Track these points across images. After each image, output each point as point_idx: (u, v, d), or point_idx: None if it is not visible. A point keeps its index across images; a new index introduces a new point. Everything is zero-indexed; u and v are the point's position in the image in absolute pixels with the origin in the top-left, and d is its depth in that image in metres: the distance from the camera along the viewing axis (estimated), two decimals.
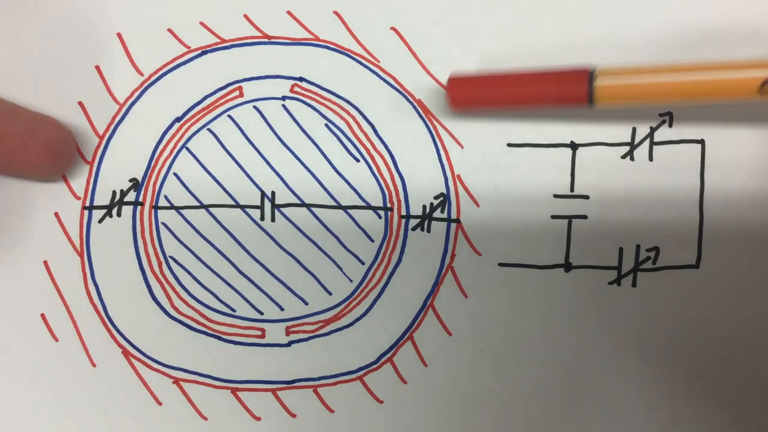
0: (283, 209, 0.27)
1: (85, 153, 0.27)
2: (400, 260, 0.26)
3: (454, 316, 0.26)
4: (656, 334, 0.26)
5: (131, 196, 0.27)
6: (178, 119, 0.27)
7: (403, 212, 0.27)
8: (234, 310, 0.27)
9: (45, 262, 0.27)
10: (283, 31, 0.27)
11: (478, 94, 0.25)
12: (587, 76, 0.23)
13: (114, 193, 0.27)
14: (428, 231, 0.26)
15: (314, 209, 0.27)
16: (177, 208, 0.27)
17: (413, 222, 0.26)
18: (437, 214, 0.26)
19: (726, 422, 0.25)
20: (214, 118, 0.27)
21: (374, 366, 0.26)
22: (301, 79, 0.27)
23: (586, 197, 0.26)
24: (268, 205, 0.27)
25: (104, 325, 0.27)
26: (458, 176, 0.26)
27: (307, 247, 0.27)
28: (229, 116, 0.27)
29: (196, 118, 0.27)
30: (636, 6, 0.26)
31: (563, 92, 0.23)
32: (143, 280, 0.27)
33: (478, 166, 0.26)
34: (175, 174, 0.27)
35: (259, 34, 0.27)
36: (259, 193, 0.27)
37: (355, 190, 0.27)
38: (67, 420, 0.26)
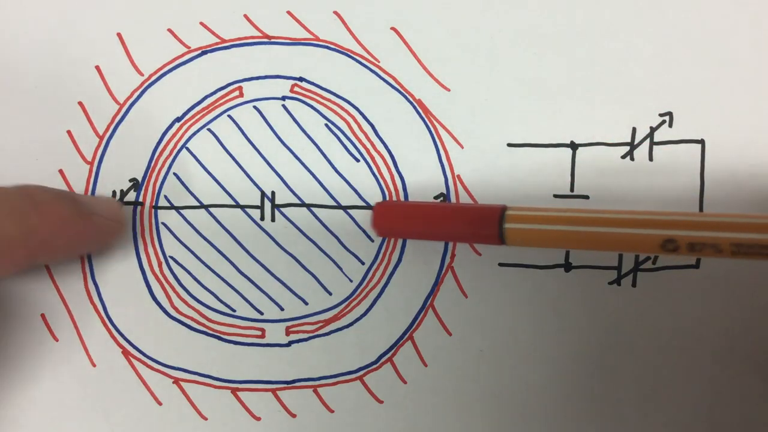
0: (283, 209, 0.27)
1: (85, 153, 0.27)
2: (400, 260, 0.26)
3: (454, 316, 0.26)
4: (656, 334, 0.26)
5: (131, 196, 0.27)
6: (178, 119, 0.27)
7: None
8: (234, 310, 0.27)
9: None
10: (283, 31, 0.27)
11: (399, 225, 0.25)
12: (498, 219, 0.23)
13: (114, 193, 0.27)
14: None
15: (314, 209, 0.27)
16: (177, 208, 0.27)
17: None
18: None
19: (726, 422, 0.25)
20: (214, 118, 0.27)
21: (374, 366, 0.26)
22: (301, 79, 0.27)
23: (586, 197, 0.26)
24: (268, 205, 0.27)
25: (104, 325, 0.27)
26: (458, 176, 0.26)
27: (307, 247, 0.27)
28: (229, 116, 0.27)
29: (196, 118, 0.27)
30: (635, 3, 0.26)
31: (476, 233, 0.24)
32: (143, 280, 0.27)
33: (478, 166, 0.26)
34: (175, 174, 0.27)
35: (259, 34, 0.27)
36: (259, 193, 0.27)
37: (355, 190, 0.27)
38: (67, 420, 0.26)
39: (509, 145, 0.26)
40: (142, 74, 0.27)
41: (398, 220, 0.25)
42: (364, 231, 0.27)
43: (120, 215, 0.26)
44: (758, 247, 0.20)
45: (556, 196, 0.26)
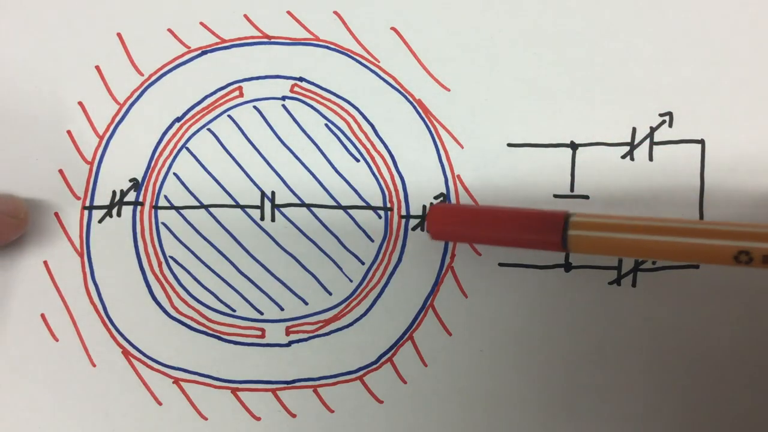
0: (283, 209, 0.27)
1: (85, 153, 0.27)
2: (400, 260, 0.26)
3: (454, 316, 0.26)
4: (656, 334, 0.26)
5: (131, 196, 0.27)
6: (178, 119, 0.27)
7: (403, 212, 0.27)
8: (234, 310, 0.27)
9: (45, 262, 0.27)
10: (283, 31, 0.27)
11: (455, 230, 0.25)
12: (562, 226, 0.23)
13: (114, 193, 0.27)
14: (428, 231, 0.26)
15: (314, 209, 0.27)
16: (177, 208, 0.27)
17: (413, 222, 0.26)
18: None
19: (726, 422, 0.25)
20: (214, 118, 0.27)
21: (374, 366, 0.26)
22: (301, 79, 0.27)
23: (586, 197, 0.26)
24: (268, 205, 0.27)
25: (104, 325, 0.27)
26: (458, 176, 0.26)
27: (307, 247, 0.27)
28: (229, 116, 0.27)
29: (196, 118, 0.27)
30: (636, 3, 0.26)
31: (539, 239, 0.23)
32: (143, 280, 0.27)
33: (478, 166, 0.26)
34: (175, 174, 0.27)
35: (259, 34, 0.27)
36: (259, 193, 0.27)
37: (355, 190, 0.27)
38: (67, 420, 0.26)
39: (509, 145, 0.26)
40: (142, 74, 0.27)
41: (456, 224, 0.25)
42: (364, 231, 0.27)
43: (22, 212, 0.25)
44: None
45: (556, 196, 0.26)
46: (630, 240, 0.22)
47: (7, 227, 0.25)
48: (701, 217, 0.25)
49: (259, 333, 0.27)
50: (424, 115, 0.27)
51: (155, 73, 0.27)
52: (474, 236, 0.25)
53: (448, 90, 0.27)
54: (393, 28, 0.27)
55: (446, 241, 0.26)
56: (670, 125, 0.26)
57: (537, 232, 0.23)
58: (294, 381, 0.26)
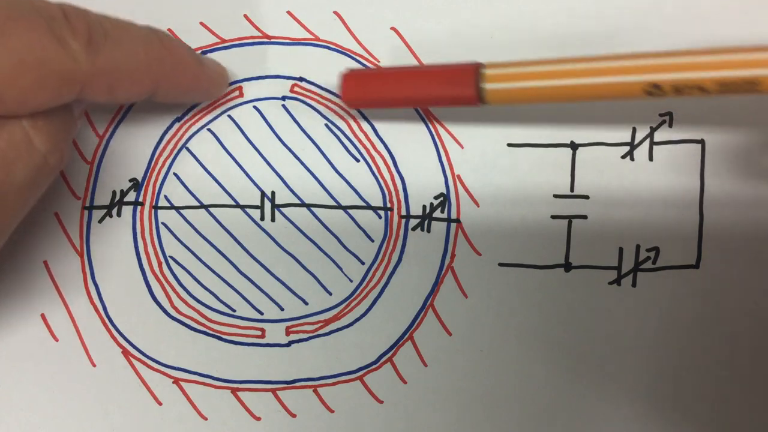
0: (283, 209, 0.27)
1: (85, 153, 0.27)
2: (400, 260, 0.26)
3: (454, 316, 0.26)
4: (656, 334, 0.26)
5: (131, 196, 0.27)
6: (178, 119, 0.27)
7: (403, 212, 0.27)
8: (234, 310, 0.27)
9: (45, 262, 0.27)
10: (283, 31, 0.27)
11: (369, 93, 0.25)
12: (474, 78, 0.23)
13: (114, 193, 0.27)
14: (428, 231, 0.26)
15: (314, 209, 0.27)
16: (177, 208, 0.27)
17: (413, 222, 0.26)
18: (437, 214, 0.26)
19: (726, 422, 0.25)
20: (214, 118, 0.27)
21: (374, 366, 0.26)
22: (301, 79, 0.27)
23: (586, 197, 0.26)
24: (268, 205, 0.27)
25: (104, 325, 0.27)
26: (458, 176, 0.26)
27: (307, 247, 0.27)
28: (229, 116, 0.27)
29: (196, 118, 0.27)
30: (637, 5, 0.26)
31: (453, 94, 0.23)
32: (143, 280, 0.27)
33: (478, 166, 0.26)
34: (175, 174, 0.27)
35: (259, 34, 0.27)
36: (259, 193, 0.27)
37: (355, 190, 0.27)
38: (67, 420, 0.26)
39: (509, 145, 0.26)
40: None
41: (370, 86, 0.25)
42: (364, 231, 0.27)
43: (225, 73, 0.26)
44: (742, 83, 0.20)
45: (555, 196, 0.26)
46: (543, 87, 0.22)
47: (218, 82, 0.26)
48: (701, 217, 0.26)
49: (259, 333, 0.27)
50: (424, 115, 0.27)
51: None
52: (390, 98, 0.25)
53: None
54: (393, 28, 0.27)
55: (362, 108, 0.26)
56: (670, 125, 0.26)
57: (450, 85, 0.23)
58: (294, 381, 0.26)
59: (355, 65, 0.27)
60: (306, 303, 0.27)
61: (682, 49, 0.21)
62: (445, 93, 0.24)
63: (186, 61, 0.24)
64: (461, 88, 0.23)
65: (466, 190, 0.26)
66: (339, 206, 0.27)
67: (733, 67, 0.20)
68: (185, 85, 0.25)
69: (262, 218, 0.27)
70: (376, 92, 0.25)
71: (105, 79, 0.21)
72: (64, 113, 0.22)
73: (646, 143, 0.26)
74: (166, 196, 0.27)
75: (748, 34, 0.26)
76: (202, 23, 0.27)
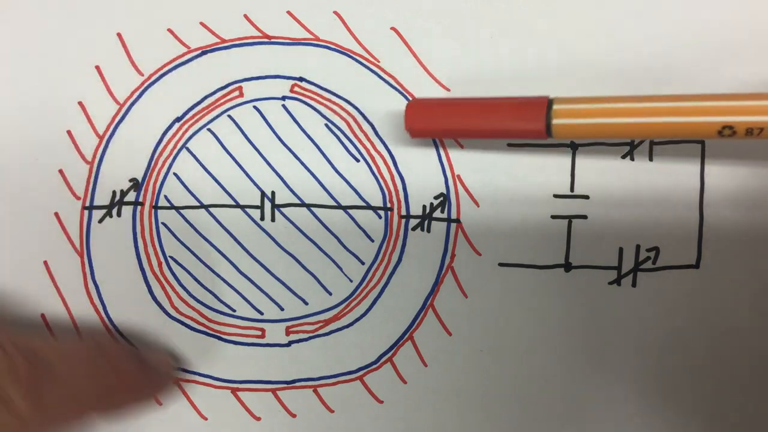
0: (283, 209, 0.27)
1: (85, 153, 0.27)
2: (400, 260, 0.26)
3: (454, 316, 0.26)
4: (656, 334, 0.26)
5: (131, 196, 0.27)
6: (178, 119, 0.27)
7: (403, 212, 0.27)
8: (234, 310, 0.27)
9: (45, 262, 0.27)
10: (283, 31, 0.27)
11: (434, 124, 0.25)
12: (544, 113, 0.23)
13: (114, 193, 0.27)
14: (428, 231, 0.26)
15: (314, 209, 0.27)
16: (177, 208, 0.27)
17: (413, 222, 0.26)
18: (437, 214, 0.26)
19: (726, 422, 0.25)
20: (214, 118, 0.27)
21: (374, 366, 0.26)
22: (301, 79, 0.27)
23: (586, 197, 0.26)
24: (268, 205, 0.27)
25: (104, 325, 0.27)
26: (458, 176, 0.26)
27: (307, 247, 0.27)
28: (229, 116, 0.27)
29: (196, 118, 0.27)
30: (636, 4, 0.26)
31: (523, 128, 0.23)
32: (143, 280, 0.27)
33: (478, 166, 0.26)
34: (175, 174, 0.27)
35: (259, 34, 0.27)
36: (259, 193, 0.27)
37: (355, 190, 0.27)
38: None
39: (509, 145, 0.26)
40: (142, 74, 0.27)
41: (435, 117, 0.24)
42: (364, 231, 0.27)
43: (171, 369, 0.26)
44: None
45: (556, 196, 0.26)
46: (614, 124, 0.22)
47: (163, 386, 0.26)
48: (701, 217, 0.26)
49: (259, 333, 0.27)
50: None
51: (155, 73, 0.27)
52: (456, 130, 0.25)
53: (448, 90, 0.27)
54: (393, 28, 0.27)
55: (427, 138, 0.26)
56: None
57: (520, 120, 0.23)
58: (294, 381, 0.26)
59: (355, 65, 0.27)
60: (306, 303, 0.27)
61: (755, 93, 0.21)
62: (514, 127, 0.23)
63: (136, 380, 0.24)
64: (531, 122, 0.23)
65: (466, 190, 0.26)
66: (339, 206, 0.27)
67: None
68: (130, 401, 0.25)
69: (262, 218, 0.27)
70: (441, 123, 0.24)
71: (49, 422, 0.22)
72: None
73: (646, 143, 0.26)
74: (166, 196, 0.27)
75: None
76: (202, 23, 0.27)
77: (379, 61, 0.27)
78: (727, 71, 0.25)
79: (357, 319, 0.26)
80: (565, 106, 0.23)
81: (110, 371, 0.23)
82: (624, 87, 0.26)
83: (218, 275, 0.27)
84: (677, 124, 0.22)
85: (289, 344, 0.27)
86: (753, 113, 0.21)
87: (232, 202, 0.27)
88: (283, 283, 0.27)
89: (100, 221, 0.27)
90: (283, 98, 0.27)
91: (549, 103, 0.23)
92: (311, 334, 0.27)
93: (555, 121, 0.23)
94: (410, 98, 0.27)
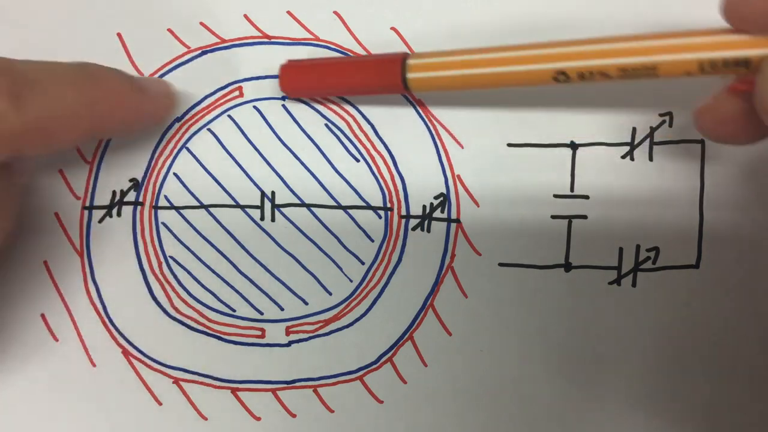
0: (283, 209, 0.27)
1: (85, 153, 0.27)
2: (400, 260, 0.26)
3: (454, 316, 0.26)
4: (656, 334, 0.26)
5: (131, 196, 0.27)
6: (178, 119, 0.27)
7: (403, 212, 0.27)
8: (234, 310, 0.27)
9: (45, 262, 0.27)
10: (283, 31, 0.27)
11: (305, 83, 0.26)
12: (400, 68, 0.24)
13: (114, 193, 0.27)
14: (428, 231, 0.26)
15: (314, 209, 0.27)
16: (177, 208, 0.27)
17: (413, 222, 0.26)
18: (437, 214, 0.26)
19: (726, 422, 0.25)
20: (214, 118, 0.27)
21: (374, 366, 0.26)
22: None
23: (586, 197, 0.26)
24: (268, 205, 0.27)
25: (104, 325, 0.27)
26: (458, 176, 0.26)
27: (307, 247, 0.27)
28: (229, 116, 0.27)
29: (196, 118, 0.27)
30: None
31: (382, 83, 0.25)
32: (143, 280, 0.27)
33: (478, 166, 0.26)
34: (175, 174, 0.27)
35: (259, 34, 0.27)
36: (259, 193, 0.27)
37: (355, 190, 0.27)
38: (67, 420, 0.26)
39: (509, 145, 0.26)
40: (142, 74, 0.27)
41: (305, 77, 0.26)
42: (364, 231, 0.27)
43: (171, 92, 0.26)
44: (642, 68, 0.21)
45: (555, 196, 0.26)
46: (460, 76, 0.24)
47: (162, 106, 0.26)
48: (701, 217, 0.26)
49: (259, 333, 0.27)
50: (424, 115, 0.27)
51: (155, 73, 0.27)
52: (324, 88, 0.26)
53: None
54: (393, 28, 0.27)
55: (300, 97, 0.27)
56: (670, 125, 0.26)
57: (379, 75, 0.25)
58: (294, 381, 0.26)
59: None
60: (306, 303, 0.27)
61: (586, 38, 0.22)
62: (374, 82, 0.25)
63: (122, 94, 0.23)
64: (389, 77, 0.24)
65: (466, 190, 0.26)
66: (339, 206, 0.27)
67: (633, 54, 0.21)
68: (127, 119, 0.24)
69: (262, 218, 0.27)
70: (311, 82, 0.26)
71: (38, 133, 0.21)
72: (3, 176, 0.21)
73: (646, 143, 0.26)
74: (166, 196, 0.27)
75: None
76: (202, 23, 0.27)
77: None
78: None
79: (357, 319, 0.26)
80: (418, 60, 0.24)
81: (102, 96, 0.23)
82: (616, 83, 0.26)
83: (218, 275, 0.27)
84: (516, 72, 0.23)
85: (289, 344, 0.27)
86: (583, 58, 0.22)
87: (232, 202, 0.27)
88: (283, 283, 0.27)
89: (100, 221, 0.27)
90: (283, 98, 0.27)
91: (404, 58, 0.24)
92: (311, 334, 0.27)
93: (410, 75, 0.24)
94: (410, 98, 0.27)
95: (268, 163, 0.27)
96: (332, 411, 0.26)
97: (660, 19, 0.26)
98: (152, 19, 0.27)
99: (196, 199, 0.27)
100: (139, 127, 0.26)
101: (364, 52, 0.27)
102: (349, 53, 0.27)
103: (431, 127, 0.27)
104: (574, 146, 0.26)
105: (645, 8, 0.26)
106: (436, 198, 0.26)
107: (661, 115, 0.26)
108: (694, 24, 0.22)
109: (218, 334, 0.27)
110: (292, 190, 0.27)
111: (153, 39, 0.27)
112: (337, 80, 0.26)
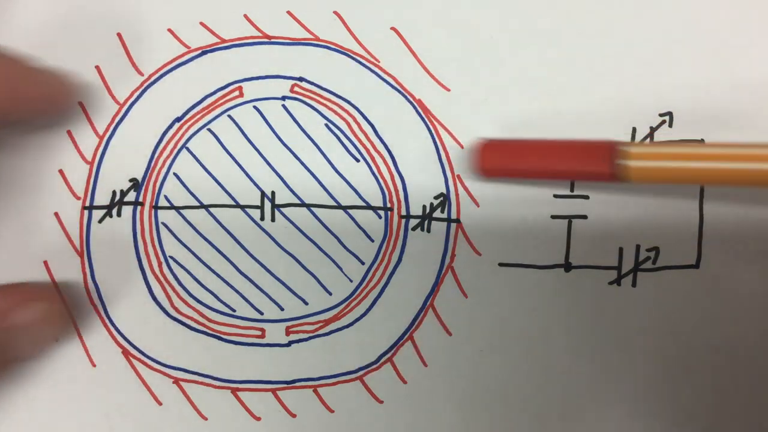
0: (283, 209, 0.27)
1: (85, 153, 0.27)
2: (400, 260, 0.26)
3: (454, 316, 0.26)
4: (656, 334, 0.26)
5: (131, 196, 0.27)
6: (178, 119, 0.27)
7: (403, 212, 0.27)
8: (234, 310, 0.27)
9: (45, 262, 0.27)
10: (283, 31, 0.27)
11: (507, 164, 0.25)
12: (610, 156, 0.23)
13: (114, 193, 0.27)
14: (428, 231, 0.26)
15: (314, 209, 0.27)
16: (177, 208, 0.27)
17: (413, 222, 0.26)
18: (437, 214, 0.26)
19: (726, 422, 0.25)
20: (214, 118, 0.27)
21: (374, 366, 0.26)
22: (301, 79, 0.27)
23: (586, 197, 0.26)
24: (268, 205, 0.27)
25: (104, 325, 0.27)
26: (458, 176, 0.26)
27: (307, 247, 0.27)
28: (229, 116, 0.27)
29: (196, 118, 0.27)
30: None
31: (588, 171, 0.24)
32: (143, 280, 0.27)
33: None
34: (175, 174, 0.27)
35: (259, 34, 0.27)
36: (259, 193, 0.27)
37: (355, 190, 0.27)
38: (67, 420, 0.26)
39: None
40: (142, 74, 0.27)
41: (507, 158, 0.25)
42: (364, 231, 0.27)
43: (64, 79, 0.25)
44: None
45: (556, 196, 0.26)
46: (683, 169, 0.22)
47: (55, 87, 0.25)
48: (701, 217, 0.26)
49: (259, 333, 0.27)
50: (424, 115, 0.27)
51: (155, 73, 0.27)
52: (527, 170, 0.25)
53: (448, 90, 0.27)
54: (393, 28, 0.27)
55: (496, 177, 0.26)
56: (670, 125, 0.26)
57: (587, 162, 0.24)
58: (294, 381, 0.26)
59: (355, 65, 0.27)
60: (306, 303, 0.27)
61: None
62: (582, 169, 0.24)
63: (10, 76, 0.23)
64: (597, 165, 0.23)
65: (466, 190, 0.26)
66: (339, 206, 0.27)
67: None
68: (13, 101, 0.24)
69: (262, 218, 0.27)
70: (513, 164, 0.25)
71: None
72: None
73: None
74: (166, 196, 0.27)
75: None
76: (202, 23, 0.27)
77: (379, 61, 0.27)
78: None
79: (357, 319, 0.26)
80: (638, 149, 0.23)
81: None
82: (616, 82, 0.26)
83: (218, 275, 0.27)
84: (744, 171, 0.22)
85: (289, 344, 0.27)
86: None
87: (232, 202, 0.27)
88: (283, 283, 0.27)
89: (100, 221, 0.27)
90: (283, 98, 0.27)
91: (616, 145, 0.23)
92: (311, 334, 0.27)
93: (631, 163, 0.23)
94: (410, 98, 0.27)
95: (268, 163, 0.27)
96: (332, 411, 0.26)
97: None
98: (152, 19, 0.27)
99: (196, 199, 0.27)
100: (27, 114, 0.25)
101: (364, 53, 0.27)
102: (349, 53, 0.27)
103: (431, 127, 0.27)
104: None
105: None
106: (436, 198, 0.26)
107: (661, 115, 0.26)
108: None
109: (218, 334, 0.27)
110: (292, 190, 0.27)
111: (153, 39, 0.27)
112: (543, 163, 0.24)
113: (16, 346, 0.24)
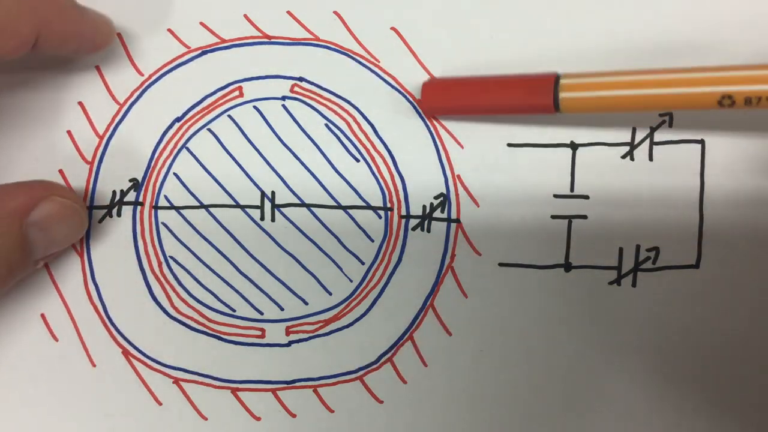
0: (283, 209, 0.27)
1: (85, 153, 0.27)
2: (400, 260, 0.26)
3: (454, 316, 0.26)
4: (656, 334, 0.26)
5: (131, 196, 0.27)
6: (178, 119, 0.27)
7: (403, 212, 0.27)
8: (234, 310, 0.27)
9: (45, 262, 0.27)
10: (283, 31, 0.27)
11: (447, 102, 0.26)
12: (552, 87, 0.24)
13: (114, 193, 0.27)
14: (428, 231, 0.26)
15: (314, 209, 0.27)
16: (177, 208, 0.27)
17: (413, 222, 0.26)
18: (437, 214, 0.26)
19: (726, 422, 0.25)
20: (214, 118, 0.27)
21: (374, 366, 0.26)
22: (301, 79, 0.27)
23: (586, 197, 0.26)
24: (268, 205, 0.27)
25: (104, 325, 0.27)
26: (458, 176, 0.26)
27: (307, 247, 0.27)
28: (229, 116, 0.27)
29: (196, 118, 0.27)
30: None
31: (530, 102, 0.24)
32: (143, 280, 0.27)
33: (478, 166, 0.26)
34: (175, 174, 0.27)
35: (259, 34, 0.27)
36: (259, 193, 0.27)
37: (355, 190, 0.27)
38: (67, 420, 0.26)
39: (509, 145, 0.26)
40: (142, 74, 0.27)
41: (449, 94, 0.25)
42: (364, 231, 0.27)
43: (109, 21, 0.26)
44: None
45: (556, 196, 0.26)
46: (617, 96, 0.23)
47: (102, 29, 0.26)
48: (701, 217, 0.26)
49: (259, 333, 0.27)
50: (424, 115, 0.27)
51: (155, 73, 0.27)
52: (468, 106, 0.26)
53: None
54: (393, 28, 0.27)
55: (438, 115, 0.26)
56: (670, 125, 0.26)
57: (529, 95, 0.24)
58: (294, 381, 0.26)
59: (355, 65, 0.27)
60: (306, 303, 0.27)
61: (757, 63, 0.22)
62: (523, 102, 0.24)
63: (64, 7, 0.24)
64: (539, 97, 0.24)
65: (466, 190, 0.26)
66: (339, 206, 0.27)
67: None
68: (67, 32, 0.24)
69: (262, 218, 0.27)
70: (454, 100, 0.25)
71: None
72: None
73: (646, 143, 0.26)
74: (166, 196, 0.27)
75: None
76: (202, 23, 0.27)
77: (379, 61, 0.27)
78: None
79: (357, 319, 0.26)
80: (572, 80, 0.23)
81: (43, 3, 0.23)
82: None
83: (218, 275, 0.27)
84: (679, 95, 0.22)
85: (289, 344, 0.27)
86: (751, 82, 0.21)
87: (232, 202, 0.27)
88: (283, 283, 0.27)
89: (100, 221, 0.27)
90: (283, 98, 0.27)
91: (557, 78, 0.24)
92: (311, 334, 0.27)
93: (562, 95, 0.23)
94: (410, 98, 0.27)
95: (268, 163, 0.27)
96: (332, 411, 0.26)
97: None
98: (152, 19, 0.27)
99: (196, 199, 0.27)
100: (78, 46, 0.26)
101: (364, 53, 0.27)
102: (349, 53, 0.27)
103: (431, 127, 0.27)
104: (574, 146, 0.26)
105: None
106: (436, 198, 0.26)
107: (661, 115, 0.26)
108: None
109: (218, 334, 0.27)
110: (292, 190, 0.27)
111: (153, 39, 0.27)
112: (483, 98, 0.25)
113: (39, 244, 0.24)
